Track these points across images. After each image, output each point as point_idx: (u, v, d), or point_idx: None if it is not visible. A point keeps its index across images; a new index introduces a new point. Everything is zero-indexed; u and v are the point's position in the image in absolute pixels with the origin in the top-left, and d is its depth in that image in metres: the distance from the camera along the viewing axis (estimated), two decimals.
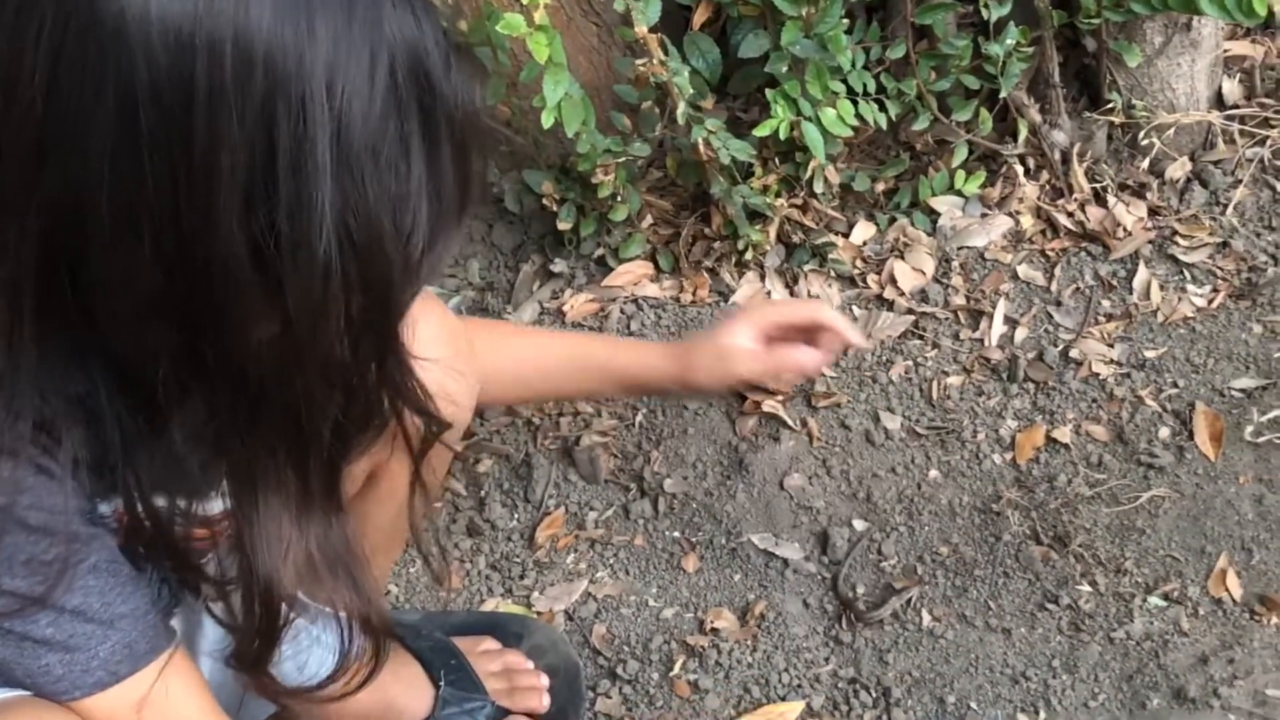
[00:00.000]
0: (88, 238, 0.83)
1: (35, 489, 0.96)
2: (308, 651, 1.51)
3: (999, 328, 2.20)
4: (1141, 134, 2.32)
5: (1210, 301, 2.20)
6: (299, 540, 1.04)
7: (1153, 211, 2.32)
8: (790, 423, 2.10)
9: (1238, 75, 2.42)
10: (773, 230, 2.28)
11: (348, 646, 1.15)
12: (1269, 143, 2.35)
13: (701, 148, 2.09)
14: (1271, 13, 1.98)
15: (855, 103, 2.14)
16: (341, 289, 0.86)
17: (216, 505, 1.11)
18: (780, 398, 2.12)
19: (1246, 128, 2.36)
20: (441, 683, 1.72)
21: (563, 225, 2.27)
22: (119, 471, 1.00)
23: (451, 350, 1.48)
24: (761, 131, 2.09)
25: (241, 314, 0.86)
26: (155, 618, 1.13)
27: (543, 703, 1.75)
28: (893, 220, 2.35)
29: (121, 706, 1.11)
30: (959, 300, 2.25)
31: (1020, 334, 2.19)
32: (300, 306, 0.86)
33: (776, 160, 2.23)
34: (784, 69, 2.12)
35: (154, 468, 1.02)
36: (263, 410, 0.94)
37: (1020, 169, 2.34)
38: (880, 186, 2.35)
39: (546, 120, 1.99)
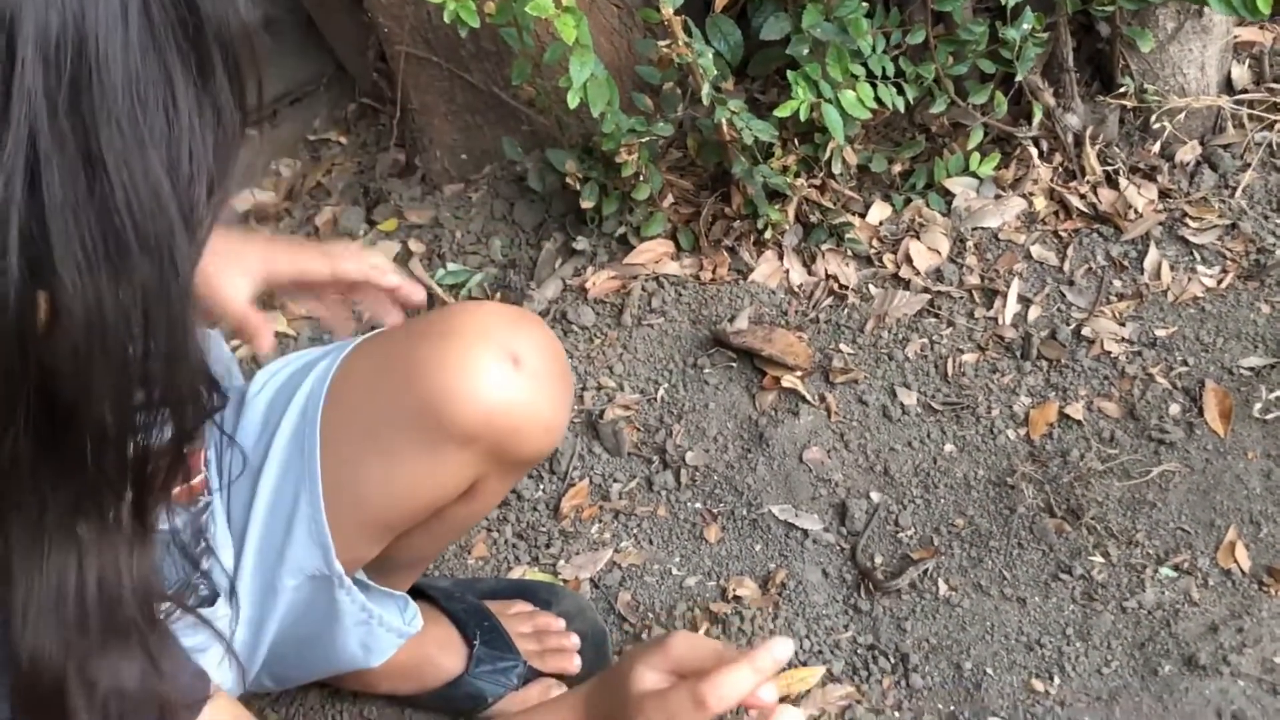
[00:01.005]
0: None
1: None
2: (373, 631, 1.57)
3: (1013, 306, 2.25)
4: (1153, 118, 2.37)
5: (1219, 282, 2.25)
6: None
7: (1163, 194, 2.37)
8: (809, 398, 2.15)
9: (1247, 60, 2.46)
10: (791, 210, 2.32)
11: None
12: (1277, 127, 2.40)
13: (725, 128, 2.13)
14: (1277, 6, 2.02)
15: (874, 86, 2.19)
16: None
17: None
18: (799, 374, 2.17)
19: (1255, 112, 2.41)
20: (476, 642, 1.77)
21: (585, 204, 2.31)
22: None
23: (555, 365, 1.49)
24: (782, 112, 2.13)
25: (20, 310, 0.73)
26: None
27: (574, 664, 1.80)
28: (909, 201, 2.39)
29: None
30: (973, 279, 2.29)
31: (1033, 313, 2.24)
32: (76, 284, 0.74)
33: (796, 141, 2.28)
34: (805, 51, 2.17)
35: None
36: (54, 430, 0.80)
37: (1034, 151, 2.39)
38: (897, 168, 2.39)
39: (572, 100, 2.03)
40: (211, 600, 1.39)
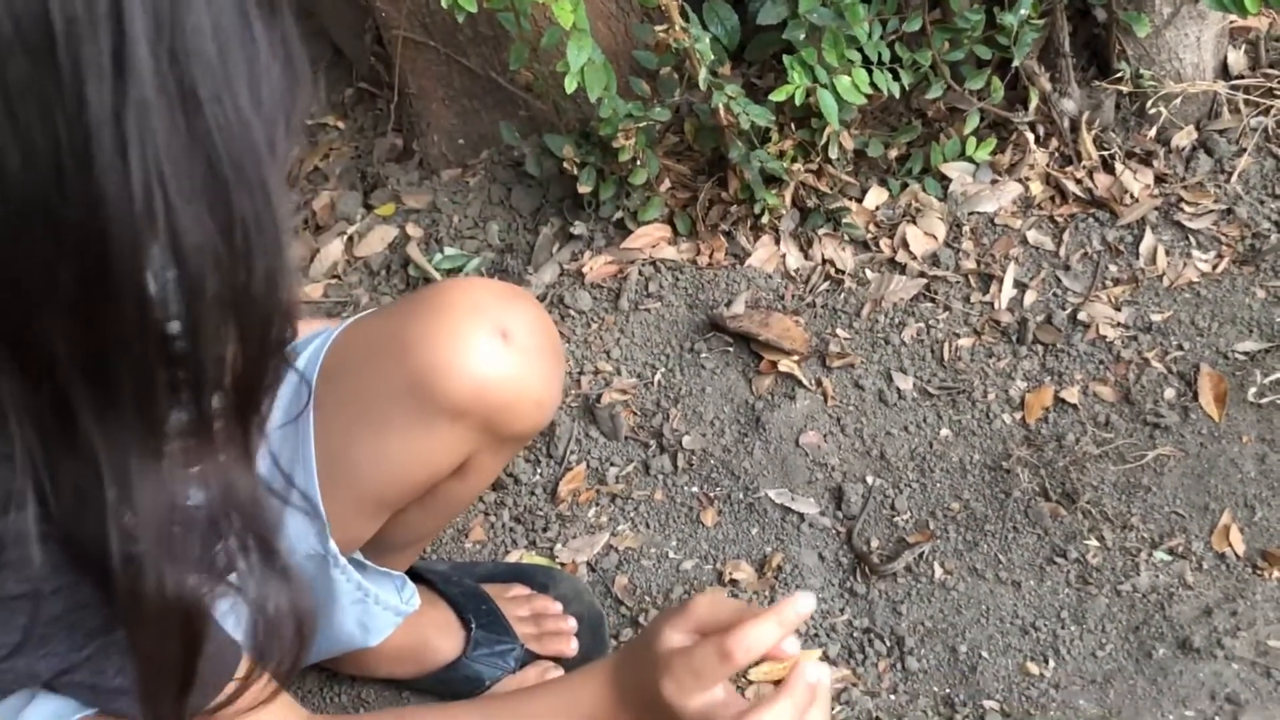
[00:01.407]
0: None
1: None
2: (370, 609, 1.58)
3: (1009, 291, 2.26)
4: (1149, 103, 2.37)
5: (1215, 267, 2.26)
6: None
7: (1159, 179, 2.37)
8: (805, 382, 2.16)
9: (1243, 46, 2.47)
10: (788, 194, 2.33)
11: (258, 638, 1.00)
12: (1272, 112, 2.40)
13: (722, 113, 2.14)
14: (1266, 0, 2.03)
15: (870, 71, 2.19)
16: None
17: None
18: (796, 358, 2.17)
19: (1251, 97, 2.42)
20: (473, 625, 1.78)
21: (583, 188, 2.31)
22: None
23: (545, 341, 1.49)
24: (778, 97, 2.14)
25: (134, 243, 0.77)
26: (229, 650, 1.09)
27: (571, 647, 1.81)
28: (905, 186, 2.40)
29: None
30: (970, 264, 2.30)
31: (1029, 297, 2.25)
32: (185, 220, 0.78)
33: (792, 126, 2.28)
34: (801, 36, 2.17)
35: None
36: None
37: (1030, 136, 2.39)
38: (893, 152, 2.39)
39: (569, 85, 2.03)
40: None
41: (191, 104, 0.75)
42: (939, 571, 1.94)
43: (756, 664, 1.25)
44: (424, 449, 1.45)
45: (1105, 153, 2.39)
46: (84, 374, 0.80)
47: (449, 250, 2.42)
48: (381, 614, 1.58)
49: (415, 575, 1.79)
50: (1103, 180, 2.36)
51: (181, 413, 0.84)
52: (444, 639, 1.78)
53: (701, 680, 1.21)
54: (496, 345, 1.41)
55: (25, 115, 0.71)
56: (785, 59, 2.16)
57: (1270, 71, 2.45)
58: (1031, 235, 2.33)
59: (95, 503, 0.85)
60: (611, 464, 2.11)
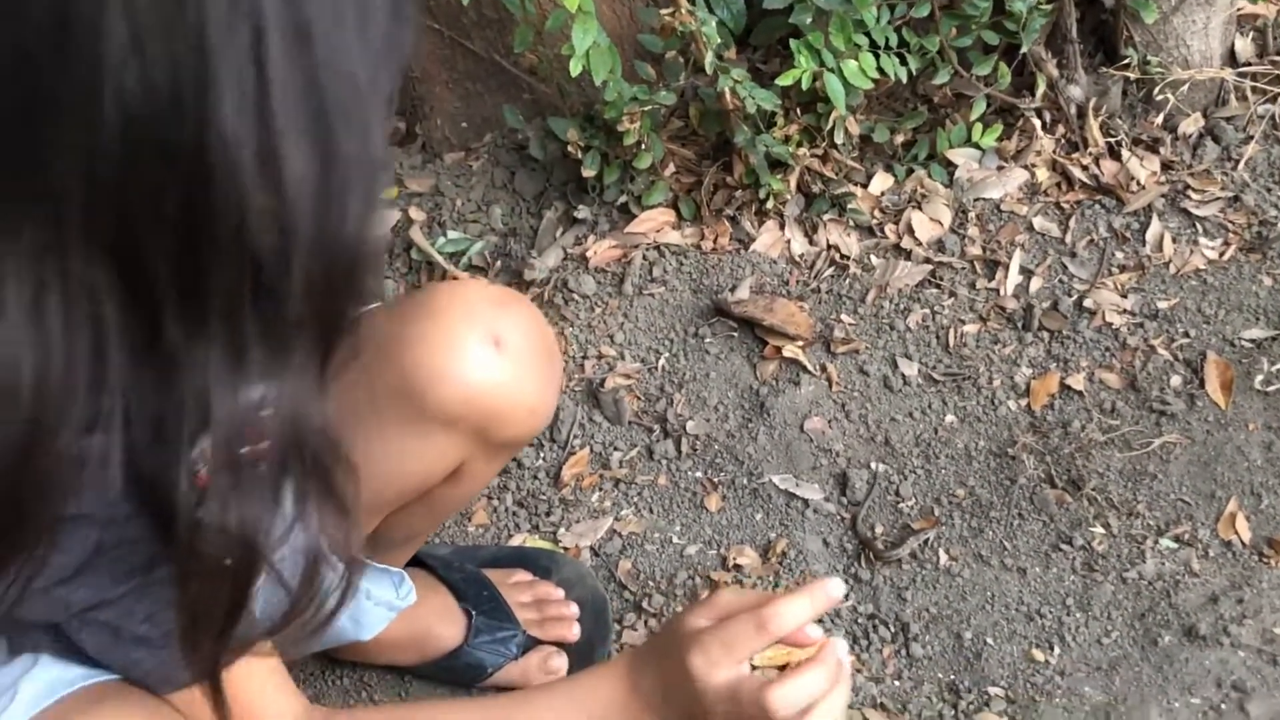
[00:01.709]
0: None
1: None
2: (361, 605, 1.57)
3: (1014, 278, 2.25)
4: (1156, 89, 2.36)
5: (1221, 254, 2.25)
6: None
7: (1166, 166, 2.36)
8: (810, 368, 2.15)
9: (1250, 33, 2.45)
10: (793, 180, 2.32)
11: (302, 583, 1.02)
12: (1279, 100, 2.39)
13: (727, 97, 2.13)
14: None
15: (877, 55, 2.18)
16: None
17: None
18: (801, 344, 2.16)
19: (1259, 85, 2.40)
20: (474, 612, 1.77)
21: (587, 172, 2.30)
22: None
23: (539, 346, 1.48)
24: (784, 81, 2.13)
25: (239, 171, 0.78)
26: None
27: (573, 632, 1.80)
28: (910, 171, 2.39)
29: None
30: (975, 250, 2.29)
31: (1035, 284, 2.24)
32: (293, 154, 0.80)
33: (798, 111, 2.27)
34: (808, 20, 2.15)
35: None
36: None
37: (1037, 123, 2.38)
38: (899, 138, 2.38)
39: (575, 68, 2.02)
40: None
41: (304, 39, 0.76)
42: (944, 558, 1.93)
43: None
44: (416, 454, 1.45)
45: (1112, 139, 2.38)
46: (179, 297, 0.81)
47: (452, 234, 2.40)
48: (374, 609, 1.57)
49: (416, 561, 1.78)
50: (1109, 167, 2.35)
51: (263, 344, 0.86)
52: (445, 626, 1.77)
53: (733, 652, 1.23)
54: (489, 352, 1.40)
55: (151, 48, 0.73)
56: (792, 43, 2.14)
57: (1278, 59, 2.43)
58: (1038, 222, 2.32)
59: (172, 433, 0.86)
60: (615, 449, 2.10)
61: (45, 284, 0.80)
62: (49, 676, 1.10)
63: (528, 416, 1.48)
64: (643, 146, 2.23)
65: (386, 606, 1.59)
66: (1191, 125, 2.38)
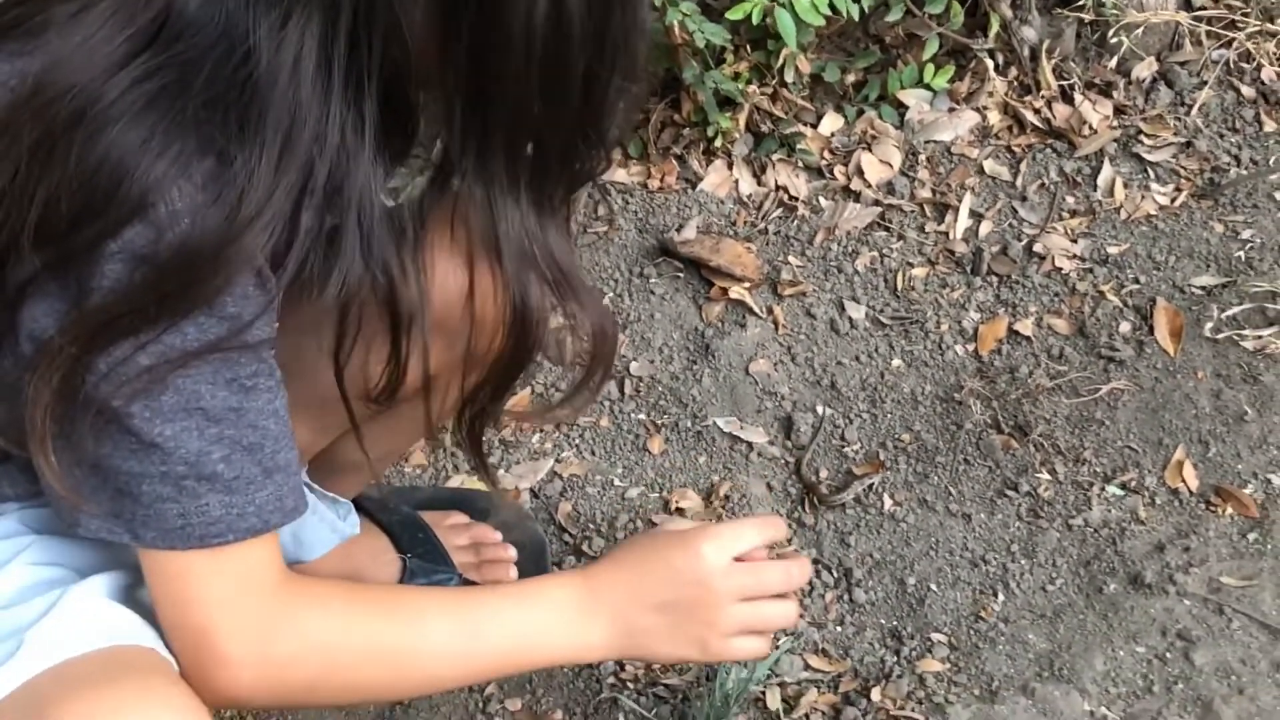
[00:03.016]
0: None
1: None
2: (307, 522, 1.52)
3: (964, 221, 2.22)
4: (1110, 32, 2.33)
5: (1173, 200, 2.23)
6: (545, 254, 1.10)
7: (1118, 110, 2.34)
8: (756, 310, 2.11)
9: None
10: (742, 118, 2.28)
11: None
12: (1234, 45, 2.37)
13: (676, 30, 2.08)
14: None
15: None
16: None
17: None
18: (747, 285, 2.13)
19: (1213, 29, 2.38)
20: (408, 554, 1.73)
21: None
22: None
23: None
24: (734, 15, 2.08)
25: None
26: (300, 481, 1.13)
27: (510, 576, 1.76)
28: (861, 112, 2.35)
29: (260, 565, 1.11)
30: (925, 193, 2.26)
31: (985, 228, 2.21)
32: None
33: (748, 48, 2.23)
34: None
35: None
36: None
37: (990, 64, 2.35)
38: (850, 78, 2.35)
39: None
40: None
41: None
42: (888, 503, 1.91)
43: None
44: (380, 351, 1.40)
45: (1065, 83, 2.35)
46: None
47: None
48: (318, 527, 1.52)
49: (351, 502, 1.74)
50: (1061, 111, 2.32)
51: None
52: (378, 568, 1.72)
53: (738, 526, 1.31)
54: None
55: None
56: None
57: (1233, 3, 2.41)
58: (988, 165, 2.29)
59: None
60: (557, 390, 2.06)
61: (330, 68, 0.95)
62: (58, 630, 1.06)
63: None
64: None
65: (329, 527, 1.55)
66: (1145, 69, 2.36)
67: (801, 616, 1.78)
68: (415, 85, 1.04)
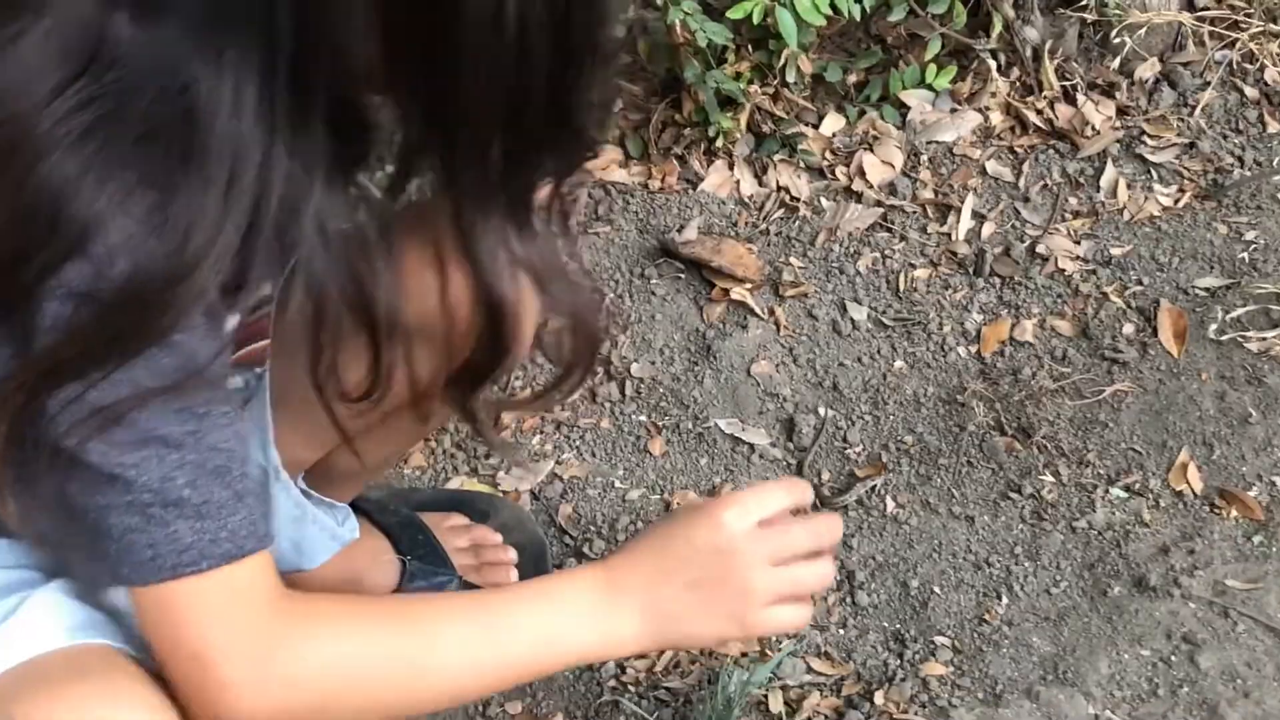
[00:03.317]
0: None
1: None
2: (306, 531, 1.51)
3: (966, 222, 2.21)
4: (1113, 33, 2.32)
5: (1176, 201, 2.22)
6: (520, 251, 1.05)
7: (1121, 111, 2.33)
8: (758, 311, 2.10)
9: None
10: (743, 118, 2.27)
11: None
12: (1238, 45, 2.36)
13: (678, 29, 2.07)
14: None
15: None
16: None
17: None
18: (749, 286, 2.12)
19: (1216, 29, 2.37)
20: (408, 557, 1.72)
21: None
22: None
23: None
24: (736, 15, 2.07)
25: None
26: (269, 506, 1.12)
27: (510, 578, 1.75)
28: (863, 113, 2.34)
29: (249, 585, 1.06)
30: (927, 194, 2.25)
31: (987, 229, 2.20)
32: None
33: (750, 47, 2.22)
34: None
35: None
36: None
37: (992, 64, 2.34)
38: (852, 78, 2.34)
39: None
40: None
41: None
42: (891, 505, 1.90)
43: None
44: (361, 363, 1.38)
45: (1067, 83, 2.34)
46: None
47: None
48: (318, 535, 1.51)
49: (350, 504, 1.73)
50: (1064, 111, 2.32)
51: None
52: (378, 571, 1.71)
53: (759, 490, 1.25)
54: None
55: None
56: None
57: (1236, 3, 2.40)
58: (991, 166, 2.28)
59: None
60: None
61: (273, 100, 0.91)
62: (21, 631, 1.04)
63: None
64: None
65: (330, 534, 1.53)
66: (1148, 70, 2.35)
67: None
68: (367, 102, 1.02)
